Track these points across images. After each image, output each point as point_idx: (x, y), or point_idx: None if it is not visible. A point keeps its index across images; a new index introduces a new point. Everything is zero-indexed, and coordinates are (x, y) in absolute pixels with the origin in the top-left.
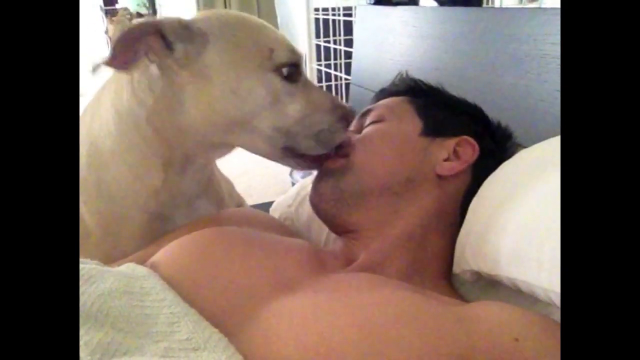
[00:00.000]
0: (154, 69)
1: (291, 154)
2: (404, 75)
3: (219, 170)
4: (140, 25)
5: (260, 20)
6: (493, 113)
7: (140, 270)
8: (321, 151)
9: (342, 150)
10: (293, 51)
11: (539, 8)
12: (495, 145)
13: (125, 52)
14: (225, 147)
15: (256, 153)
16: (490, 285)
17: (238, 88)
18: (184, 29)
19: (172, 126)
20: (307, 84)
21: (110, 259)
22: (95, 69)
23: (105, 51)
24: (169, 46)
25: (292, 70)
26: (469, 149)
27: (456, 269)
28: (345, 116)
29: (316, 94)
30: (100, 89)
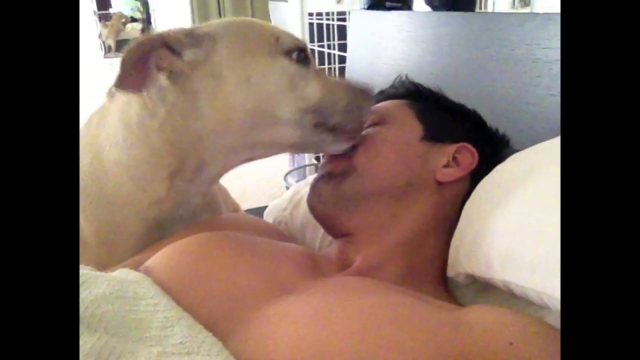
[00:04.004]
0: (162, 80)
1: (324, 130)
2: (404, 78)
3: None
4: (146, 40)
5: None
6: (486, 117)
7: (134, 274)
8: (353, 125)
9: (343, 152)
10: (297, 38)
11: (531, 13)
12: (493, 153)
13: (136, 71)
14: (246, 152)
15: (282, 148)
16: (484, 289)
17: (251, 76)
18: (189, 36)
19: (187, 134)
20: (318, 71)
21: (105, 269)
22: (110, 94)
23: (103, 61)
24: (176, 55)
25: (301, 55)
26: (468, 156)
27: (450, 272)
28: (365, 90)
29: (329, 78)
30: (108, 101)
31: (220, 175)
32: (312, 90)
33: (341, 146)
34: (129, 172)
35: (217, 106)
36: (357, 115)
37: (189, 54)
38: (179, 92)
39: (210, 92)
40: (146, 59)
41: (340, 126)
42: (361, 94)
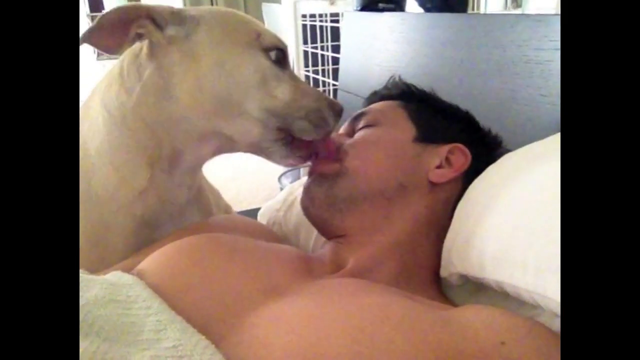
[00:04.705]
0: (143, 55)
1: (285, 138)
2: (397, 79)
3: (206, 181)
4: (132, 6)
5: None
6: (478, 117)
7: (126, 278)
8: (316, 135)
9: (335, 154)
10: (279, 39)
11: (522, 14)
12: (486, 153)
13: (115, 33)
14: (215, 141)
15: (248, 143)
16: (477, 289)
17: (225, 63)
18: (174, 14)
19: (159, 114)
20: (294, 75)
21: (97, 271)
22: (80, 42)
23: (95, 63)
24: (158, 29)
25: (279, 56)
26: (461, 157)
27: (443, 272)
28: (333, 105)
29: (303, 84)
30: (91, 92)
31: (196, 166)
32: (282, 91)
33: (291, 163)
34: (111, 161)
35: (188, 86)
36: (321, 125)
37: (170, 30)
38: (154, 68)
39: (183, 70)
40: (128, 25)
41: (301, 135)
42: (329, 106)
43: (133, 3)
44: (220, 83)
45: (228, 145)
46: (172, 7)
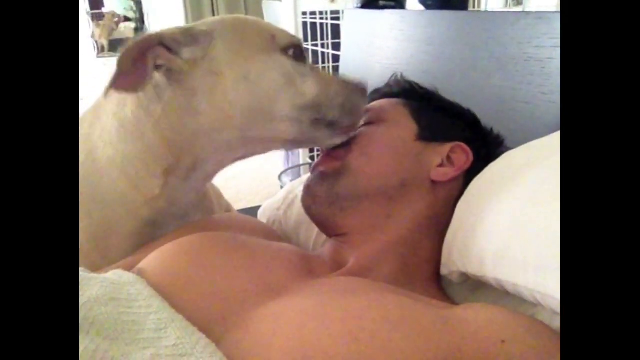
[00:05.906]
0: (159, 78)
1: (321, 125)
2: (399, 77)
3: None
4: (142, 39)
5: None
6: (479, 115)
7: (127, 276)
8: (350, 121)
9: (337, 152)
10: (292, 35)
11: (523, 12)
12: (487, 152)
13: (133, 71)
14: (241, 148)
15: (280, 143)
16: (477, 286)
17: (249, 73)
18: (185, 34)
19: (184, 131)
20: (314, 67)
21: (98, 270)
22: (106, 93)
23: (96, 61)
24: (174, 54)
25: (297, 52)
26: (462, 156)
27: (443, 270)
28: (359, 86)
29: (324, 74)
30: (100, 98)
31: (215, 172)
32: (309, 87)
33: (338, 140)
34: (123, 170)
35: (216, 103)
36: (353, 112)
37: (187, 52)
38: (176, 89)
39: (208, 89)
40: (143, 59)
41: (337, 122)
42: (356, 91)
43: (143, 35)
44: (249, 94)
45: (257, 149)
46: (180, 28)
